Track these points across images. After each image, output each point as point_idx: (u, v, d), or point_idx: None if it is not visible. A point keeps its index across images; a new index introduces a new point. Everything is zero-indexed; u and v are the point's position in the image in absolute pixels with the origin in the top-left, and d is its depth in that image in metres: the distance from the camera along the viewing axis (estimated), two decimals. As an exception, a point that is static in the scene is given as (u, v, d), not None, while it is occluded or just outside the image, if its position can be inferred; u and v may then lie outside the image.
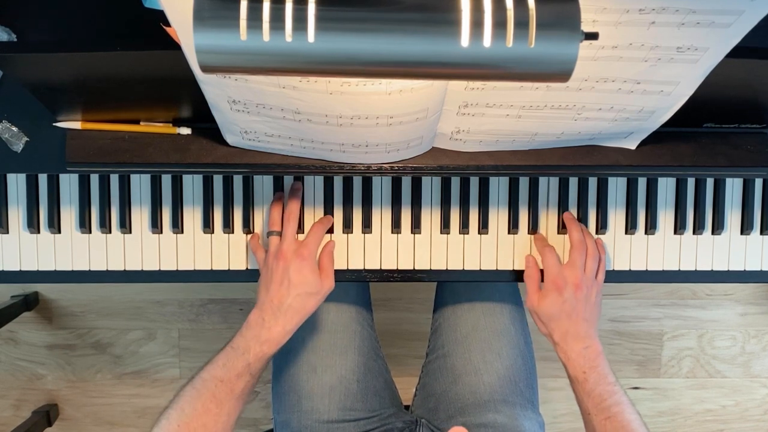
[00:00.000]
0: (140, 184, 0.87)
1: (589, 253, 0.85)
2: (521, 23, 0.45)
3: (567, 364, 0.84)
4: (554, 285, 0.83)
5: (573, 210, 0.89)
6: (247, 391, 0.80)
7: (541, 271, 0.87)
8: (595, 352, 0.82)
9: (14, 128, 0.80)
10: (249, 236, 0.87)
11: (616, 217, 0.90)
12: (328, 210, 0.87)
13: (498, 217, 0.89)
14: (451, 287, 1.05)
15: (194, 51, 0.46)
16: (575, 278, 0.83)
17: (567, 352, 0.83)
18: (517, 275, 0.90)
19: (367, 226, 0.88)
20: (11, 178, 0.86)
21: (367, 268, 0.88)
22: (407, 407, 1.07)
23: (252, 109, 0.68)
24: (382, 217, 0.88)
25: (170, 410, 0.75)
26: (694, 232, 0.91)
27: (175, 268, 0.88)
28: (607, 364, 0.83)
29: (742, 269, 0.91)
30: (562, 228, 0.89)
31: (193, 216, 0.88)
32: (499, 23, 0.45)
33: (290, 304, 0.79)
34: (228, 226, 0.87)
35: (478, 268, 0.89)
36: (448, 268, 0.89)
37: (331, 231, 0.88)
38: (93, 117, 0.78)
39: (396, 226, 0.88)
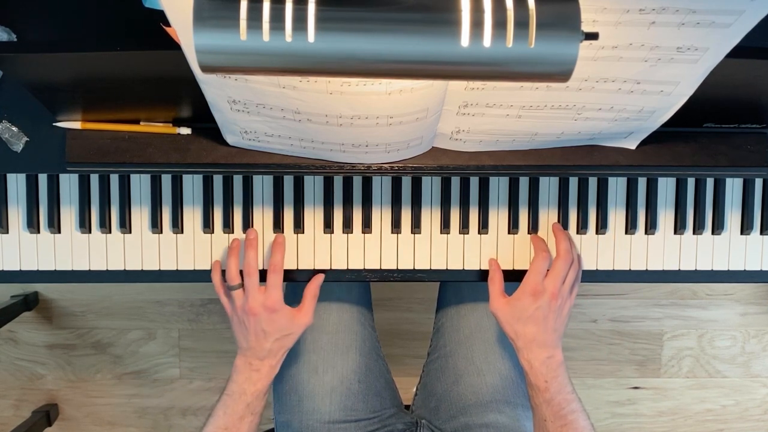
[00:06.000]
0: (140, 184, 0.87)
1: (573, 265, 0.84)
2: (521, 23, 0.45)
3: (529, 371, 0.83)
4: (532, 290, 0.82)
5: (573, 210, 0.89)
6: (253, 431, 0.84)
7: (511, 273, 0.88)
8: (557, 362, 0.82)
9: (14, 128, 0.80)
10: (211, 274, 0.86)
11: (616, 217, 0.90)
12: (328, 210, 0.87)
13: (498, 217, 0.89)
14: (454, 287, 1.05)
15: (194, 51, 0.46)
16: (554, 288, 0.82)
17: (530, 360, 0.83)
18: (518, 275, 0.89)
19: (367, 226, 0.88)
20: (11, 178, 0.86)
21: (367, 268, 0.88)
22: (407, 407, 1.07)
23: (252, 109, 0.68)
24: (382, 217, 0.88)
25: None
26: (694, 232, 0.91)
27: (175, 268, 0.88)
28: (567, 374, 0.83)
29: (742, 269, 0.91)
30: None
31: (193, 216, 0.88)
32: (499, 23, 0.45)
33: (270, 349, 0.83)
34: (228, 226, 0.87)
35: (478, 268, 0.89)
36: (448, 268, 0.89)
37: (331, 231, 0.87)
38: (93, 117, 0.78)
39: (396, 226, 0.88)
